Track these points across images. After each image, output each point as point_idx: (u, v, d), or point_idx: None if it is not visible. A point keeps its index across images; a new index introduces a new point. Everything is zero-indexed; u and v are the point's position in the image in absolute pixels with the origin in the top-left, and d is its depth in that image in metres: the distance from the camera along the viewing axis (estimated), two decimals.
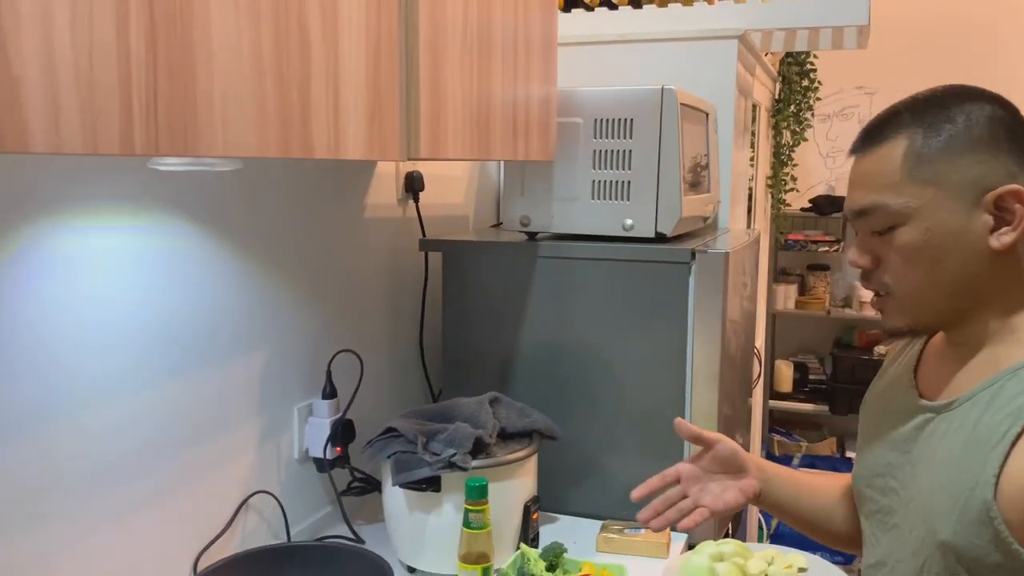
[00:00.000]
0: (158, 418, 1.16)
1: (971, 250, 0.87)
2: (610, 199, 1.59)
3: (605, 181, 1.58)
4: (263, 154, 0.75)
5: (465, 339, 1.67)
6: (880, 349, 3.64)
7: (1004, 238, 0.86)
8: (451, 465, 1.28)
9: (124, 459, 1.11)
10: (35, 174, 0.96)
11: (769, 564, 1.07)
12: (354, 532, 1.41)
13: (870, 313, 3.62)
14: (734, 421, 1.74)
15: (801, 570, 1.05)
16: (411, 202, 1.77)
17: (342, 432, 1.44)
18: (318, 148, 0.83)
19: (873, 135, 0.91)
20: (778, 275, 3.91)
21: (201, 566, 1.22)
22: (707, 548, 1.08)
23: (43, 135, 0.55)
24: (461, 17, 1.10)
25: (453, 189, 1.99)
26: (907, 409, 0.96)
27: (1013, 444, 0.81)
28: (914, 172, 0.87)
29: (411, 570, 1.36)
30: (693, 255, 1.50)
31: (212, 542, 1.26)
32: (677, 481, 1.12)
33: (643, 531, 1.48)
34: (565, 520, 1.57)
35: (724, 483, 1.11)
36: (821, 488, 1.16)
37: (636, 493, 1.10)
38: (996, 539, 0.81)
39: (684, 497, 1.11)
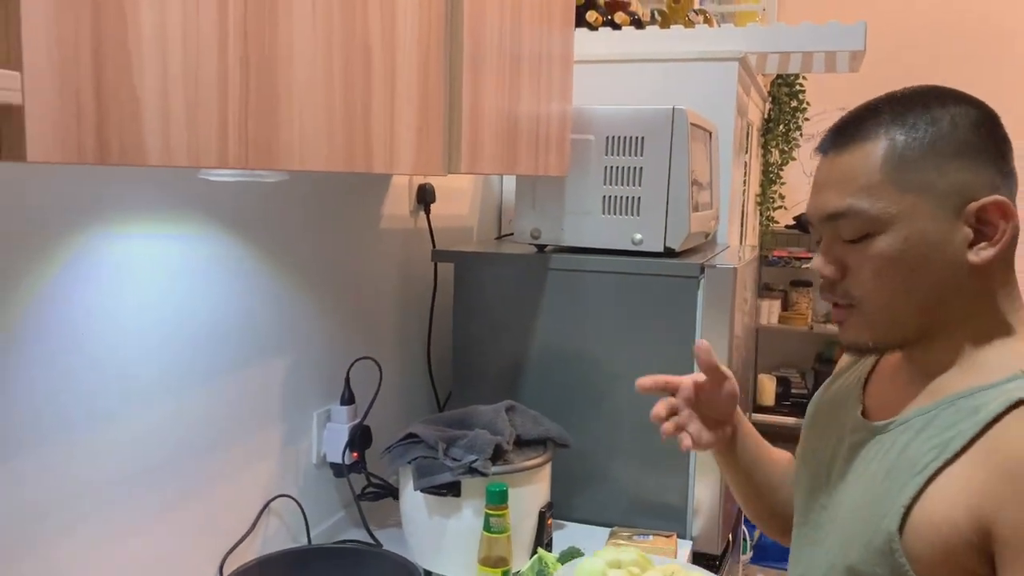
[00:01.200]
0: (186, 423, 1.18)
1: (948, 264, 0.80)
2: (620, 214, 1.63)
3: (615, 196, 1.63)
4: (331, 168, 0.79)
5: (475, 348, 1.71)
6: None
7: (984, 253, 0.80)
8: (472, 470, 1.31)
9: (155, 463, 1.13)
10: (92, 185, 0.98)
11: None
12: (372, 536, 1.44)
13: None
14: None
15: None
16: (422, 213, 1.81)
17: (359, 438, 1.47)
18: (376, 163, 0.86)
19: (847, 133, 0.83)
20: (762, 291, 3.99)
21: (227, 569, 1.24)
22: (606, 554, 1.04)
23: (156, 150, 0.58)
24: (497, 35, 1.14)
25: (460, 201, 2.03)
26: (848, 424, 0.91)
27: (932, 478, 0.76)
28: (895, 175, 0.80)
29: (428, 573, 1.39)
30: (702, 269, 1.55)
31: (236, 545, 1.28)
32: (673, 393, 1.07)
33: (651, 537, 1.52)
34: (574, 527, 1.60)
35: (702, 422, 1.07)
36: (777, 463, 1.12)
37: (643, 381, 1.06)
38: (896, 573, 0.77)
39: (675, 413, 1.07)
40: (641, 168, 1.61)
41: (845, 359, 1.05)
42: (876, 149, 0.81)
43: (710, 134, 1.89)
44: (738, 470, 1.11)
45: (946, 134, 0.80)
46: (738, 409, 1.10)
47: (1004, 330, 0.82)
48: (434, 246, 1.80)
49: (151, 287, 1.09)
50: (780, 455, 1.15)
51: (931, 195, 0.79)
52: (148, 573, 1.12)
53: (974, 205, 0.79)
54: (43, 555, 0.96)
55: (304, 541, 1.40)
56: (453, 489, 1.33)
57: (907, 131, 0.80)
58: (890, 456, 0.82)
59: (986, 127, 0.81)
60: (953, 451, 0.76)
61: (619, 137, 1.62)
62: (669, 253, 1.63)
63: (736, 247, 2.06)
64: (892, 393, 0.89)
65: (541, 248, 1.72)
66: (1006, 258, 0.82)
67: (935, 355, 0.84)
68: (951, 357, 0.83)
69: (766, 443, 1.14)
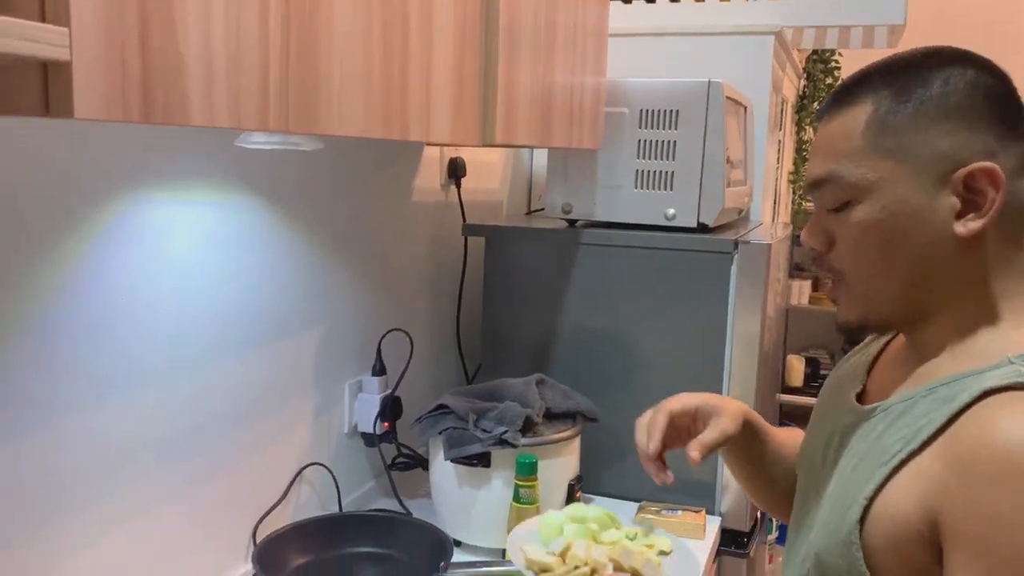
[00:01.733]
0: (221, 392, 1.19)
1: (932, 236, 0.75)
2: (653, 188, 1.62)
3: (649, 171, 1.62)
4: (368, 133, 0.79)
5: (504, 323, 1.71)
6: None
7: (971, 224, 0.74)
8: (502, 442, 1.31)
9: (190, 430, 1.14)
10: (133, 152, 0.99)
11: (631, 539, 0.97)
12: (403, 505, 1.45)
13: None
14: (763, 415, 1.77)
15: (663, 553, 0.95)
16: (453, 187, 1.81)
17: (390, 408, 1.48)
18: (413, 130, 0.86)
19: (840, 99, 0.80)
20: (792, 271, 3.95)
21: (260, 535, 1.26)
22: (571, 509, 1.01)
23: (199, 109, 0.58)
24: (532, 8, 1.13)
25: (490, 176, 2.02)
26: (844, 408, 0.88)
27: (896, 469, 0.73)
28: (876, 141, 0.76)
29: (457, 543, 1.40)
30: (736, 245, 1.54)
31: (268, 512, 1.30)
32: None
33: (679, 512, 1.52)
34: (602, 501, 1.60)
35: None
36: (787, 450, 1.07)
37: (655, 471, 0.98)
38: (851, 566, 0.74)
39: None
40: (675, 142, 1.59)
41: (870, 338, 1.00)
42: (861, 114, 0.77)
43: (745, 109, 1.86)
44: (743, 467, 1.07)
45: (935, 96, 0.75)
46: (743, 411, 1.03)
47: (1001, 313, 0.77)
48: (464, 220, 1.80)
49: (189, 254, 1.10)
50: (790, 440, 1.09)
51: (913, 161, 0.75)
52: (182, 539, 1.14)
53: (962, 171, 0.73)
54: (78, 520, 0.98)
55: (335, 509, 1.41)
56: (483, 460, 1.33)
57: (895, 94, 0.76)
58: (866, 443, 0.79)
59: (986, 88, 0.75)
60: (920, 441, 0.72)
61: (653, 110, 1.60)
62: (702, 229, 1.61)
63: (769, 225, 2.04)
64: (889, 377, 0.85)
65: (572, 223, 1.71)
66: (1006, 232, 0.76)
67: (927, 337, 0.80)
68: (942, 340, 0.78)
69: (777, 435, 1.08)
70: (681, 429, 1.00)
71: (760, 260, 1.54)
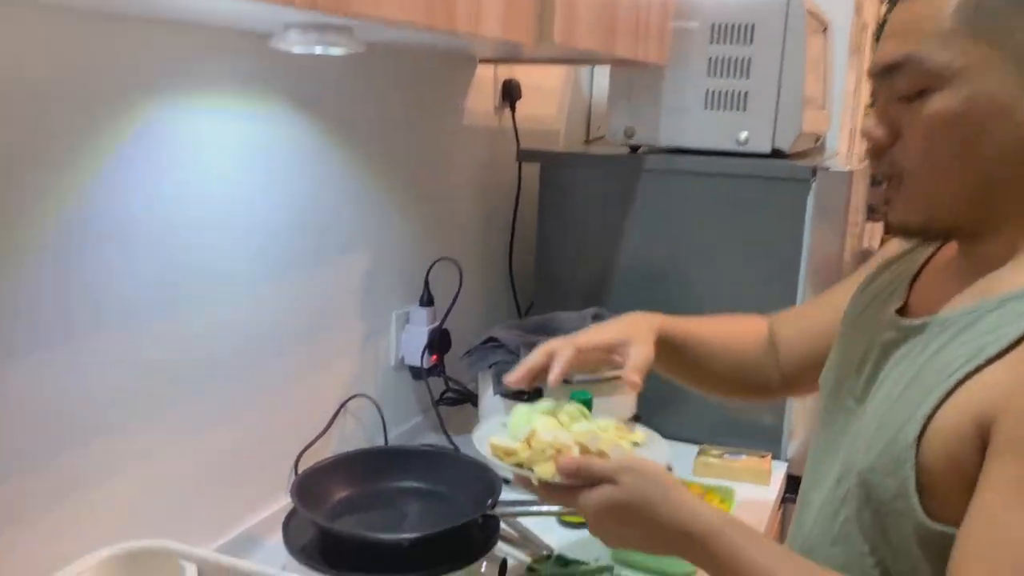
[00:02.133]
0: (264, 317, 1.14)
1: (1013, 135, 0.68)
2: (724, 110, 1.50)
3: (720, 91, 1.49)
4: (406, 18, 0.70)
5: (559, 255, 1.62)
6: None
7: None
8: None
9: (226, 357, 1.09)
10: (158, 50, 0.91)
11: (603, 431, 0.93)
12: (451, 440, 1.39)
13: None
14: None
15: (635, 444, 0.92)
16: (507, 111, 1.71)
17: (438, 341, 1.42)
18: (460, 20, 0.77)
19: None
20: (867, 213, 3.76)
21: (302, 466, 1.21)
22: (541, 403, 0.97)
23: None
24: None
25: (547, 101, 1.91)
26: (884, 323, 0.81)
27: (959, 384, 0.68)
28: (969, 22, 0.68)
29: (506, 481, 1.34)
30: (814, 172, 1.41)
31: (312, 443, 1.25)
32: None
33: (743, 457, 1.43)
34: None
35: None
36: (717, 339, 1.08)
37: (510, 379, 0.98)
38: (901, 485, 0.70)
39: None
40: (750, 59, 1.46)
41: (892, 247, 0.92)
42: None
43: (825, 28, 1.71)
44: (680, 376, 1.08)
45: None
46: (655, 330, 1.00)
47: None
48: (519, 145, 1.70)
49: (222, 167, 1.04)
50: (720, 330, 1.09)
51: (1007, 49, 0.67)
52: (221, 467, 1.10)
53: None
54: (115, 440, 0.94)
55: (381, 443, 1.36)
56: (534, 396, 1.26)
57: None
58: (921, 359, 0.73)
59: None
60: (986, 357, 0.67)
61: (726, 24, 1.47)
62: (776, 155, 1.49)
63: (847, 156, 1.89)
64: (939, 289, 0.78)
65: (635, 149, 1.60)
66: None
67: (990, 247, 0.73)
68: (1008, 251, 0.72)
69: (702, 334, 1.07)
70: (586, 363, 0.99)
71: (840, 190, 1.41)
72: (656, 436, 0.97)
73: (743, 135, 1.49)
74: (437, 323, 1.42)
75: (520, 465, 0.85)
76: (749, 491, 1.34)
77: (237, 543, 1.10)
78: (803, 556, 0.77)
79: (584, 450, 0.85)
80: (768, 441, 1.48)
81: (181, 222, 0.98)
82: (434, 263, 1.43)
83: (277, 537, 1.03)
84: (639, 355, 0.95)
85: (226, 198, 1.05)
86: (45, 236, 0.83)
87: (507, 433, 0.93)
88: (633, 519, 0.77)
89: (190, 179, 0.99)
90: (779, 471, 1.43)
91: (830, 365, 0.91)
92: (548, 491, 0.83)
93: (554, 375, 0.94)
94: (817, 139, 1.74)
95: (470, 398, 1.47)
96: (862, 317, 0.87)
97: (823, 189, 1.41)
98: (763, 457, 1.43)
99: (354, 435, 1.33)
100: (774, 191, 1.44)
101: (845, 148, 2.20)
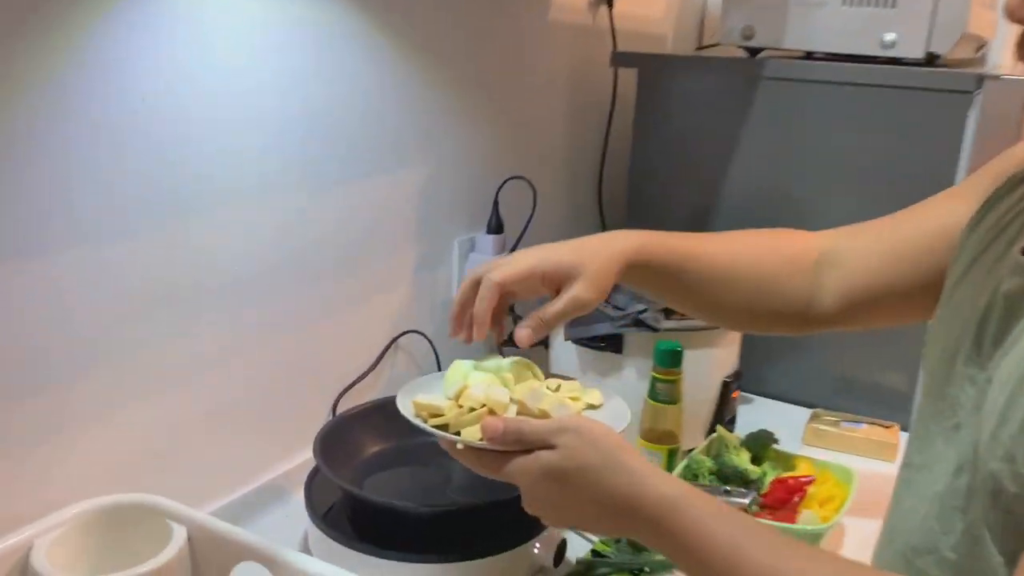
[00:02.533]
0: (301, 234, 0.99)
1: None
2: (867, 5, 1.23)
3: None
4: None
5: (657, 178, 1.41)
6: None
7: None
8: (638, 323, 1.06)
9: (255, 278, 0.95)
10: None
11: (553, 390, 0.79)
12: None
13: None
14: None
15: (591, 407, 0.77)
16: (604, 7, 1.47)
17: None
18: None
19: None
20: None
21: (341, 409, 1.06)
22: (486, 360, 0.81)
23: None
24: None
25: (651, 1, 1.66)
26: (1005, 266, 0.64)
27: None
28: None
29: None
30: (980, 82, 1.13)
31: (355, 383, 1.10)
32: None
33: (864, 426, 1.20)
34: (765, 403, 1.32)
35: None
36: (722, 258, 0.85)
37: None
38: None
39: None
40: None
41: (1018, 154, 0.71)
42: None
43: None
44: (678, 304, 0.89)
45: None
46: (626, 256, 0.79)
47: None
48: (615, 47, 1.47)
49: (251, 46, 0.87)
50: (729, 249, 0.86)
51: None
52: (250, 400, 0.97)
53: None
54: (106, 375, 0.81)
55: None
56: (613, 344, 1.08)
57: None
58: None
59: None
60: None
61: None
62: (930, 61, 1.21)
63: (1014, 68, 1.57)
64: None
65: (754, 52, 1.36)
66: None
67: None
68: None
69: (705, 255, 0.84)
70: (523, 297, 0.81)
71: (1014, 103, 1.13)
72: (618, 399, 0.79)
73: (890, 36, 1.22)
74: (506, 252, 1.24)
75: (446, 428, 0.70)
76: (870, 468, 1.11)
77: (253, 500, 0.97)
78: (916, 558, 0.60)
79: (524, 410, 0.70)
80: (895, 407, 1.24)
81: (180, 117, 0.82)
82: (504, 182, 1.24)
83: (300, 496, 0.89)
84: (566, 299, 0.77)
85: (255, 87, 0.89)
86: (15, 123, 0.68)
87: (442, 388, 0.77)
88: (572, 490, 0.64)
89: (210, 58, 0.83)
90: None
91: (930, 342, 0.70)
92: (474, 458, 0.68)
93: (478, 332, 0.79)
94: (979, 47, 1.43)
95: (542, 340, 1.29)
96: (978, 264, 0.67)
97: (991, 103, 1.14)
98: (888, 428, 1.20)
99: (403, 378, 1.17)
100: (927, 105, 1.17)
101: (1010, 63, 1.87)
